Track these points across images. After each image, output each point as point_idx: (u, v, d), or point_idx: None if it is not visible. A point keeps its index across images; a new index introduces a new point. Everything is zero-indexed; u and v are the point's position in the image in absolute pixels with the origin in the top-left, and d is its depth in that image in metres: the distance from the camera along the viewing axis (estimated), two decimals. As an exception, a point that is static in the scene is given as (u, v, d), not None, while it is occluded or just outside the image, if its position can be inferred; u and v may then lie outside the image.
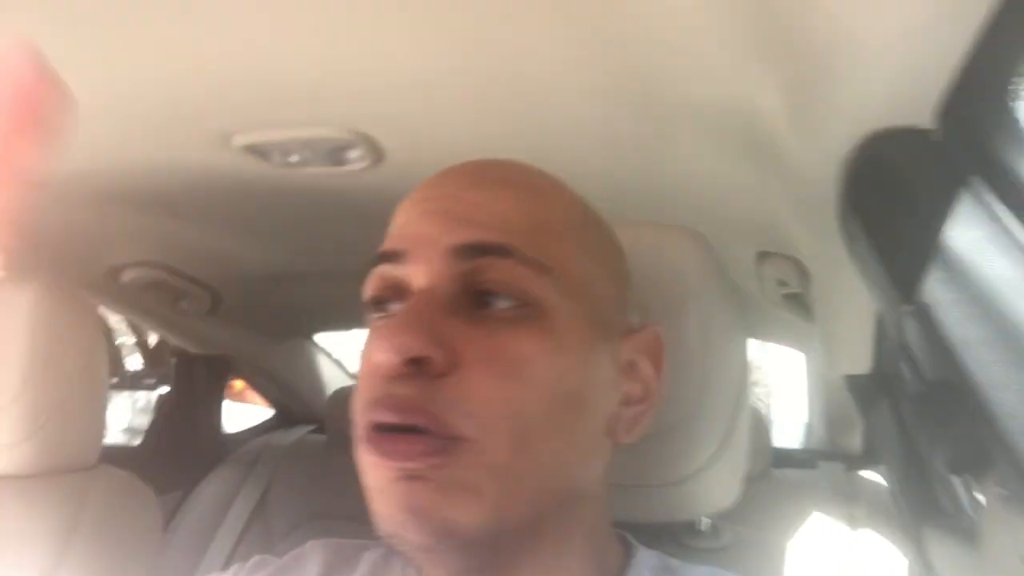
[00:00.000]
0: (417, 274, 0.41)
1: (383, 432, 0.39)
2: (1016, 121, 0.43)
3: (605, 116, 0.64)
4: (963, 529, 0.63)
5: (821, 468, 1.26)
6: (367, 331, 0.44)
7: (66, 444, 0.85)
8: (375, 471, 0.40)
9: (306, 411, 1.75)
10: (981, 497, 0.45)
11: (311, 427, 1.70)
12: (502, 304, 0.40)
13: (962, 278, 0.40)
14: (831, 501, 1.06)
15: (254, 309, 1.39)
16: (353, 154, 0.75)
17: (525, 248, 0.41)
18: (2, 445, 0.80)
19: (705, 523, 0.64)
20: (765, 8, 0.45)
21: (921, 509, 0.78)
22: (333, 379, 1.79)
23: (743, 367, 0.59)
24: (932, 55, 0.41)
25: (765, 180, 0.67)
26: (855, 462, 1.29)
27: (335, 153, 0.75)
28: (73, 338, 0.85)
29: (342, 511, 0.97)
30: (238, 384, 2.23)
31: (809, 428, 1.66)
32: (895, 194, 0.44)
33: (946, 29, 0.39)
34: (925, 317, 0.41)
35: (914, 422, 0.62)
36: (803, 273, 0.80)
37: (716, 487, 0.58)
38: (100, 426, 0.93)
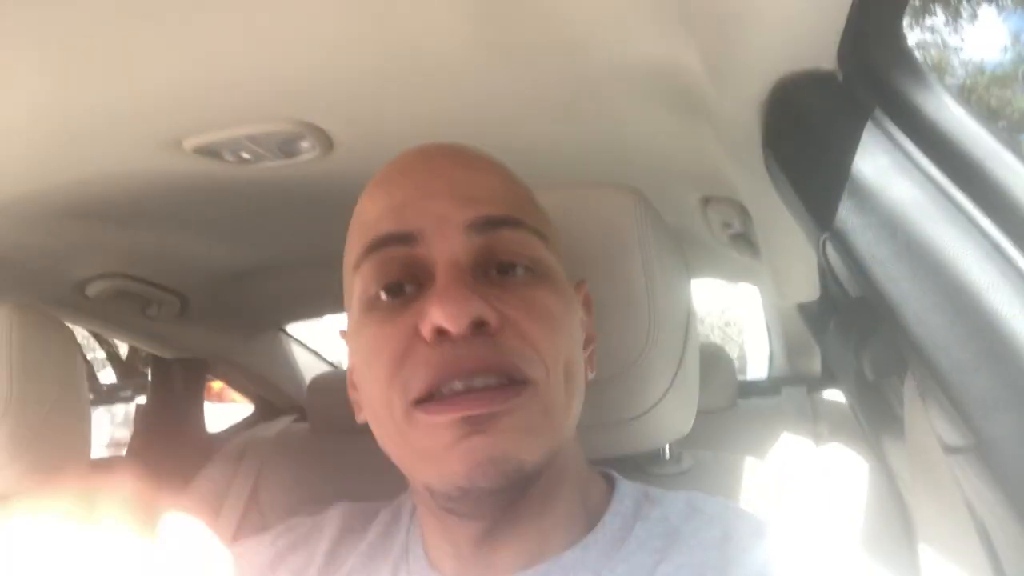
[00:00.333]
0: (441, 251, 0.44)
1: (445, 397, 0.42)
2: (907, 55, 0.47)
3: (541, 85, 0.67)
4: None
5: (784, 394, 1.33)
6: (366, 316, 0.46)
7: (55, 460, 0.86)
8: (436, 434, 0.42)
9: (286, 401, 1.77)
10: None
11: (293, 416, 1.72)
12: (519, 270, 0.45)
13: (871, 203, 0.44)
14: (796, 423, 1.12)
15: (223, 307, 1.40)
16: (303, 145, 0.76)
17: (526, 219, 0.46)
18: None
19: (667, 451, 0.69)
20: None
21: (877, 418, 0.84)
22: (309, 367, 1.81)
23: (687, 306, 0.64)
24: (827, 1, 0.45)
25: (698, 130, 0.71)
26: (815, 384, 1.36)
27: (286, 146, 0.77)
28: (50, 355, 0.86)
29: (332, 494, 1.00)
30: (215, 385, 2.23)
31: (771, 357, 1.74)
32: (807, 133, 0.48)
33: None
34: (842, 241, 0.45)
35: (842, 336, 0.67)
36: (744, 213, 0.85)
37: (673, 417, 0.63)
38: (87, 438, 0.94)
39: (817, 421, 1.14)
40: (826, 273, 0.81)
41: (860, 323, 0.56)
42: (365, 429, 0.49)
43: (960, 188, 0.42)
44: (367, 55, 0.61)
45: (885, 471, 0.89)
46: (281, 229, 1.07)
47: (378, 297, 0.46)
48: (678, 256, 0.66)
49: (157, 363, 1.60)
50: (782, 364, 1.60)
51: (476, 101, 0.70)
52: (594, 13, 0.55)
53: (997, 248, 0.39)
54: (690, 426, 0.65)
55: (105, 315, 1.29)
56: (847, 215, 0.44)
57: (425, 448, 0.43)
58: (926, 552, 0.50)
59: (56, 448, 0.86)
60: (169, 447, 1.56)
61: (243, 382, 1.78)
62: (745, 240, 0.94)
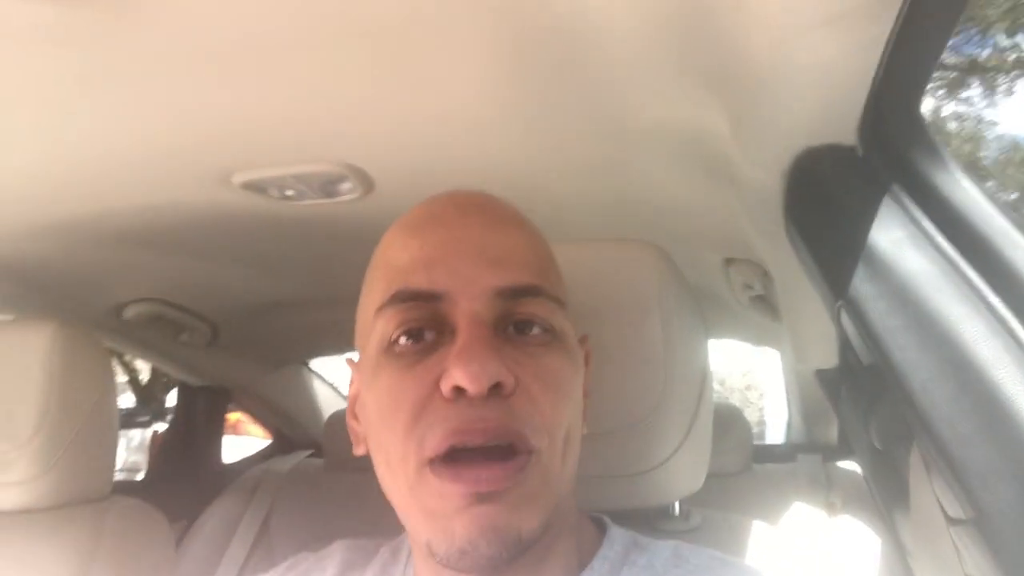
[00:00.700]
0: (465, 311, 0.46)
1: (458, 458, 0.43)
2: (924, 133, 0.50)
3: (572, 143, 0.70)
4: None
5: (800, 461, 1.31)
6: (385, 358, 0.47)
7: (82, 476, 0.89)
8: (446, 499, 0.44)
9: (303, 436, 1.78)
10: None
11: (308, 452, 1.73)
12: (535, 331, 0.48)
13: (884, 273, 0.45)
14: (810, 491, 1.11)
15: (251, 338, 1.43)
16: (345, 186, 0.80)
17: (547, 286, 0.49)
18: (22, 480, 0.84)
19: (677, 508, 0.70)
20: (708, 39, 0.51)
21: (888, 490, 0.84)
22: (328, 403, 1.83)
23: (703, 365, 0.65)
24: (848, 81, 0.47)
25: (722, 193, 0.73)
26: (831, 453, 1.35)
27: (328, 186, 0.80)
28: (87, 375, 0.89)
29: (342, 532, 1.00)
30: (232, 416, 2.25)
31: (789, 423, 1.72)
32: (826, 203, 0.51)
33: (857, 57, 0.46)
34: (856, 309, 0.47)
35: (853, 404, 0.68)
36: (766, 276, 0.87)
37: (683, 474, 0.64)
38: (112, 457, 0.96)
39: (831, 490, 1.13)
40: (843, 340, 0.82)
41: (870, 391, 0.57)
42: None
43: (970, 263, 0.43)
44: (408, 107, 0.65)
45: (896, 545, 0.88)
46: (316, 265, 1.10)
47: (398, 342, 0.47)
48: (697, 315, 0.68)
49: (183, 390, 1.63)
50: (800, 430, 1.58)
51: (509, 156, 0.73)
52: (626, 77, 0.58)
53: (1003, 324, 0.40)
54: (700, 484, 0.65)
55: (138, 338, 1.33)
56: (861, 284, 0.46)
57: (433, 508, 0.45)
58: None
59: (83, 466, 0.89)
60: (187, 472, 1.58)
61: (263, 413, 1.80)
62: (766, 303, 0.95)
